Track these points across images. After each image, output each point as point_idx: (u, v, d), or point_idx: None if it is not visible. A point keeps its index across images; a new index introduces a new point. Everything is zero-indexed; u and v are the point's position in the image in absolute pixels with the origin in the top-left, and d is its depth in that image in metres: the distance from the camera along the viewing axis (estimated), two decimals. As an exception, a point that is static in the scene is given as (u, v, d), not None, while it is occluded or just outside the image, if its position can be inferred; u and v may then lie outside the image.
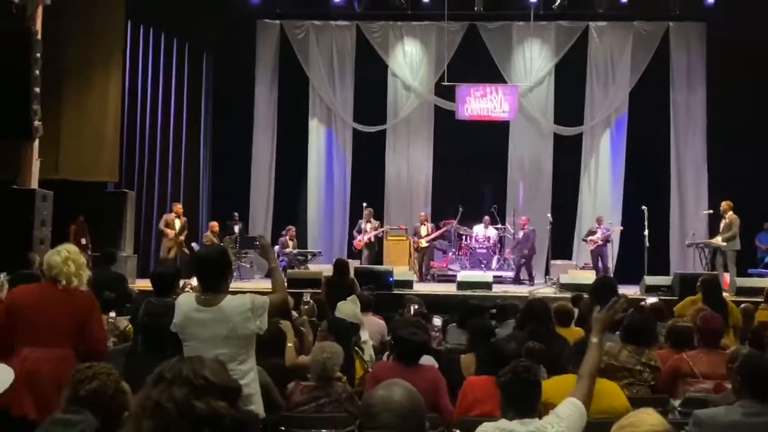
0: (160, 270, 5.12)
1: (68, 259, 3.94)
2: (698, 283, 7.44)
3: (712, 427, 3.32)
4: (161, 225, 12.71)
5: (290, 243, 13.77)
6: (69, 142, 11.26)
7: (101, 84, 11.72)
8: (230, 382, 1.60)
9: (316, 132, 15.93)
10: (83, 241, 11.32)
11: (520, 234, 14.04)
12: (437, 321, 7.33)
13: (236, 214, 13.82)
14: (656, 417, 1.90)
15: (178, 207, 12.85)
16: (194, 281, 8.25)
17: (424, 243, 13.76)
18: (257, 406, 3.56)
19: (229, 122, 15.39)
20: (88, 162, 11.49)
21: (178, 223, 12.64)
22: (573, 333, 5.79)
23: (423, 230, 13.88)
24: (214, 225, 13.31)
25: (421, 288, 12.14)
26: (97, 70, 11.63)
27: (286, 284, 4.08)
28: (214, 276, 3.56)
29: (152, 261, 13.21)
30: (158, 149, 13.74)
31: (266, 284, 7.07)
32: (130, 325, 5.70)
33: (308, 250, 14.45)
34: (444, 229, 14.32)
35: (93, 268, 7.07)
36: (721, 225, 12.20)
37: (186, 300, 3.59)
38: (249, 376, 3.52)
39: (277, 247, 13.46)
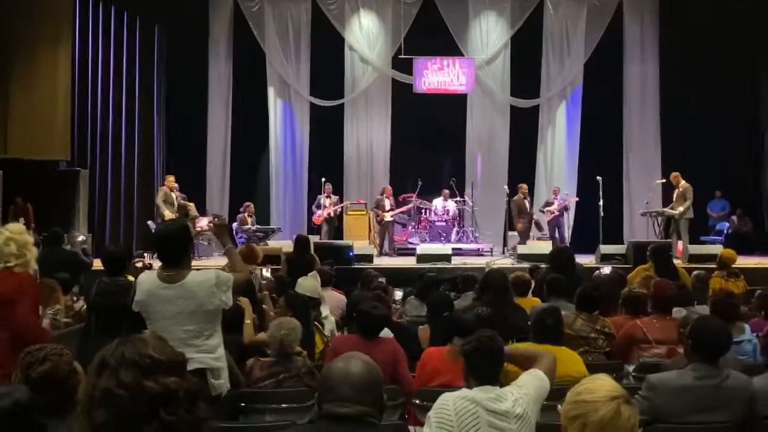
0: (111, 249, 5.02)
1: (9, 239, 3.83)
2: (648, 252, 7.59)
3: (664, 390, 3.40)
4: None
5: (249, 219, 13.65)
6: (18, 121, 10.95)
7: (50, 60, 11.38)
8: (175, 356, 1.57)
9: (273, 107, 15.74)
10: (21, 221, 11.04)
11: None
12: (398, 294, 7.36)
13: (185, 196, 13.36)
14: (611, 382, 1.92)
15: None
16: (146, 258, 8.16)
17: (388, 217, 13.74)
18: (226, 381, 3.57)
19: (183, 97, 15.10)
20: (38, 140, 11.20)
21: (174, 197, 12.51)
22: (530, 302, 5.88)
23: (387, 204, 13.87)
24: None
25: (381, 261, 12.18)
26: (45, 46, 11.28)
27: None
28: (177, 252, 3.53)
29: (107, 239, 12.99)
30: (111, 125, 13.44)
31: (224, 262, 7.02)
32: (84, 305, 5.60)
33: (267, 227, 14.36)
34: (411, 205, 14.35)
35: (43, 248, 6.92)
36: (675, 194, 12.46)
37: (148, 278, 3.56)
38: (218, 350, 3.53)
39: (235, 224, 13.36)
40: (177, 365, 1.56)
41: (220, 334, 3.59)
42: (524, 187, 14.02)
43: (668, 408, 3.36)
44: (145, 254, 8.73)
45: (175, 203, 12.52)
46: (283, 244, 12.07)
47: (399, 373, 4.20)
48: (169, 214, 12.04)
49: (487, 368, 2.95)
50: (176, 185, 12.72)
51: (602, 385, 1.89)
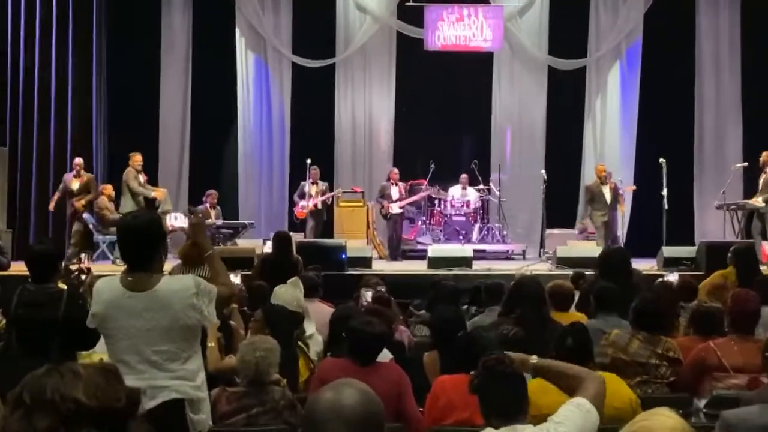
0: (37, 248, 5.02)
1: None
2: (729, 254, 7.58)
3: (745, 430, 3.40)
4: None
5: (212, 212, 13.66)
6: None
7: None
8: (115, 401, 1.56)
9: (244, 68, 15.74)
10: None
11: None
12: (368, 295, 7.35)
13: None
14: (675, 419, 1.93)
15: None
16: (83, 260, 8.17)
17: (395, 208, 13.71)
18: (208, 416, 3.64)
19: (129, 58, 15.09)
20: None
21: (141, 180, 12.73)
22: (572, 318, 5.87)
23: (394, 192, 13.82)
24: (107, 187, 13.13)
25: (384, 266, 12.20)
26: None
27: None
28: (146, 252, 3.56)
29: (32, 236, 13.02)
30: (36, 94, 13.45)
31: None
32: (3, 320, 5.61)
33: (237, 222, 14.37)
34: (426, 192, 14.35)
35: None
36: (760, 181, 12.44)
37: (108, 284, 3.59)
38: (199, 377, 3.59)
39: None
40: (112, 414, 1.55)
41: (201, 357, 3.61)
42: (602, 168, 13.54)
43: None
44: (82, 255, 8.77)
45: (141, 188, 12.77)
46: (257, 243, 12.09)
47: (405, 408, 4.22)
48: (149, 193, 12.63)
49: (506, 400, 2.95)
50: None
51: (664, 422, 1.90)
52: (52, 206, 12.64)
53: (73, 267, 6.14)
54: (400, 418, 4.14)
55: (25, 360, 4.43)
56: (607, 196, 13.09)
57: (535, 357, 3.16)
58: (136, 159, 12.84)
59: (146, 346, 3.48)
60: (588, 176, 15.54)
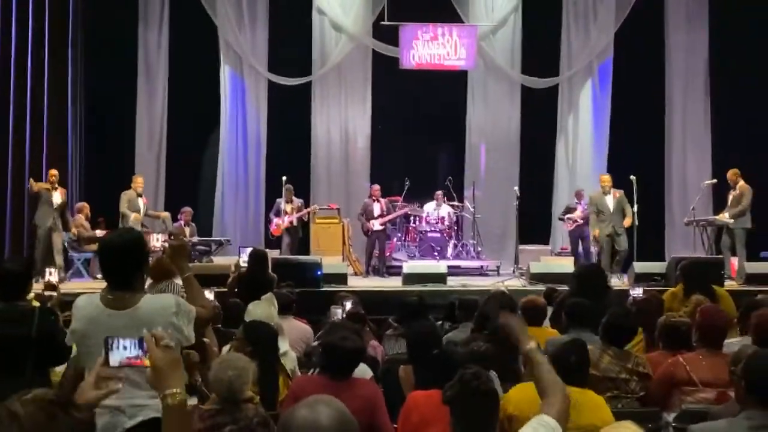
0: (8, 265, 4.97)
1: None
2: (678, 270, 7.61)
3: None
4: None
5: (186, 229, 13.59)
6: None
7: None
8: None
9: (221, 86, 15.70)
10: None
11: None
12: (337, 312, 7.33)
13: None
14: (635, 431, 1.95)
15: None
16: (49, 275, 8.09)
17: (377, 225, 13.73)
18: None
19: (105, 74, 15.01)
20: None
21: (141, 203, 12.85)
22: (545, 333, 5.91)
23: (375, 209, 13.83)
24: (85, 206, 13.08)
25: (359, 283, 12.19)
26: None
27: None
28: (128, 270, 3.53)
29: (7, 250, 12.89)
30: (12, 111, 13.33)
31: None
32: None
33: (212, 239, 14.32)
34: (406, 209, 14.35)
35: None
36: (729, 197, 12.56)
37: (88, 302, 3.55)
38: None
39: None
40: None
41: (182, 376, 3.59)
42: (606, 179, 13.13)
43: None
44: (48, 270, 8.64)
45: (142, 211, 12.84)
46: (232, 260, 12.03)
47: (378, 423, 4.21)
48: (129, 216, 12.59)
49: (478, 416, 2.95)
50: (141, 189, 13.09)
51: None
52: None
53: (41, 285, 6.09)
54: None
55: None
56: (610, 206, 12.81)
57: (534, 343, 3.11)
58: (137, 181, 13.07)
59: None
60: (562, 192, 15.65)
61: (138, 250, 3.61)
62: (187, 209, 13.89)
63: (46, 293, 6.27)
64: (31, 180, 12.43)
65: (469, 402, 2.95)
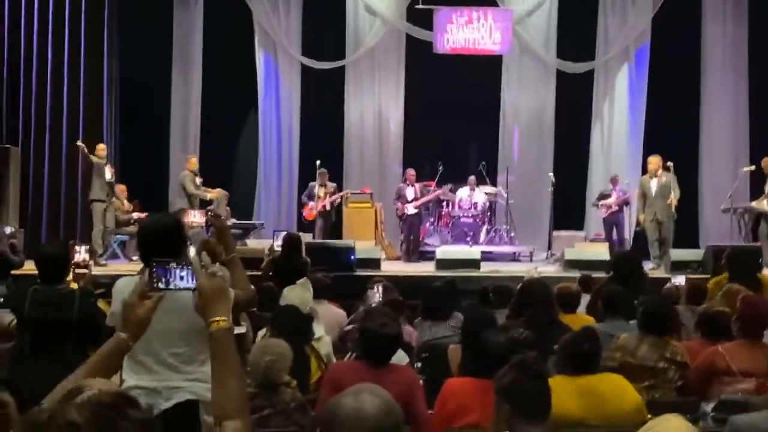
0: (49, 249, 5.03)
1: None
2: (723, 259, 7.55)
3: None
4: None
5: (227, 210, 13.67)
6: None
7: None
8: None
9: (256, 70, 15.74)
10: None
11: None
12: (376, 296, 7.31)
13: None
14: (683, 423, 1.93)
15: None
16: (80, 255, 8.18)
17: (411, 209, 13.70)
18: None
19: (141, 59, 15.11)
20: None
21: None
22: (580, 320, 5.88)
23: (409, 193, 13.81)
24: (122, 189, 13.21)
25: (392, 267, 12.20)
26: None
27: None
28: (167, 252, 3.53)
29: (44, 235, 13.05)
30: (49, 94, 13.48)
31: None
32: (14, 320, 5.64)
33: (247, 222, 14.39)
34: (439, 191, 14.31)
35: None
36: (766, 186, 12.42)
37: (128, 284, 3.58)
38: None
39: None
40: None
41: None
42: (653, 161, 12.59)
43: None
44: (77, 248, 8.63)
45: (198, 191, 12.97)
46: (266, 244, 12.09)
47: (416, 410, 4.21)
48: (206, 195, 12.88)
49: (538, 401, 2.94)
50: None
51: (675, 427, 1.90)
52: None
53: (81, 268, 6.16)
54: (410, 420, 4.13)
55: (37, 359, 4.46)
56: (653, 190, 12.37)
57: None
58: (193, 161, 13.23)
59: (162, 347, 3.54)
60: (596, 178, 15.54)
61: (176, 233, 3.64)
62: (222, 192, 13.95)
63: (78, 271, 6.34)
64: (82, 145, 12.33)
65: (526, 387, 2.94)
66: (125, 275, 4.04)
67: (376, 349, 4.35)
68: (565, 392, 3.88)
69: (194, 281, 2.31)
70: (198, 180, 13.08)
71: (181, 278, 2.32)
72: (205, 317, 2.23)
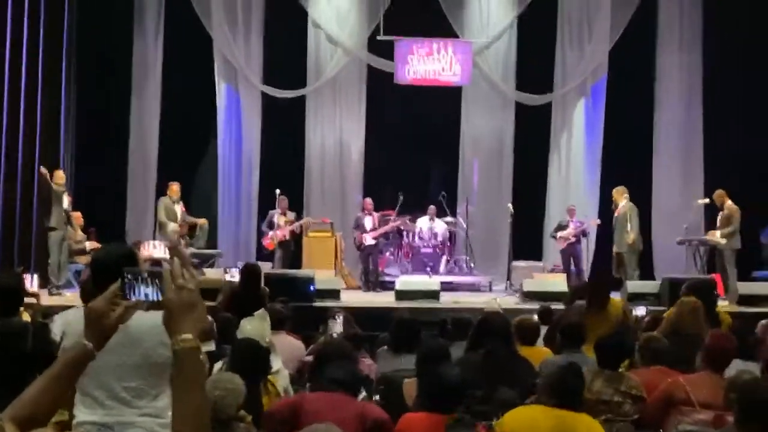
0: (3, 282, 4.92)
1: None
2: (683, 289, 7.62)
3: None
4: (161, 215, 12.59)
5: (181, 241, 13.54)
6: None
7: None
8: None
9: (215, 99, 15.65)
10: None
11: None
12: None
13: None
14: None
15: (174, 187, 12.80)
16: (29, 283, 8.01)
17: (369, 239, 13.70)
18: None
19: (100, 90, 14.99)
20: None
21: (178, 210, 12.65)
22: (538, 353, 5.89)
23: (367, 222, 13.81)
24: (78, 217, 13.03)
25: (352, 298, 12.14)
26: None
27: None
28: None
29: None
30: (5, 122, 13.29)
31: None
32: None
33: (206, 251, 14.24)
34: (397, 222, 14.31)
35: None
36: (719, 218, 12.58)
37: (77, 317, 3.49)
38: (167, 414, 3.46)
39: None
40: None
41: (169, 395, 3.55)
42: (614, 192, 13.53)
43: None
44: (26, 276, 8.39)
45: (179, 218, 12.78)
46: (222, 273, 11.99)
47: None
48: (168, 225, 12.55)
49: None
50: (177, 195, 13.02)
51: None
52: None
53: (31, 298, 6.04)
54: None
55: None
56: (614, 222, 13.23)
57: None
58: (173, 189, 12.95)
59: (116, 381, 3.46)
60: (554, 209, 15.62)
61: (130, 263, 3.56)
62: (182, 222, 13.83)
63: (27, 300, 6.20)
64: (45, 171, 12.02)
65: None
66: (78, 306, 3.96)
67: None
68: (545, 424, 3.89)
69: (160, 295, 2.16)
70: (179, 207, 12.87)
71: (146, 295, 2.19)
72: (170, 334, 2.07)
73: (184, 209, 13.11)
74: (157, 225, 12.81)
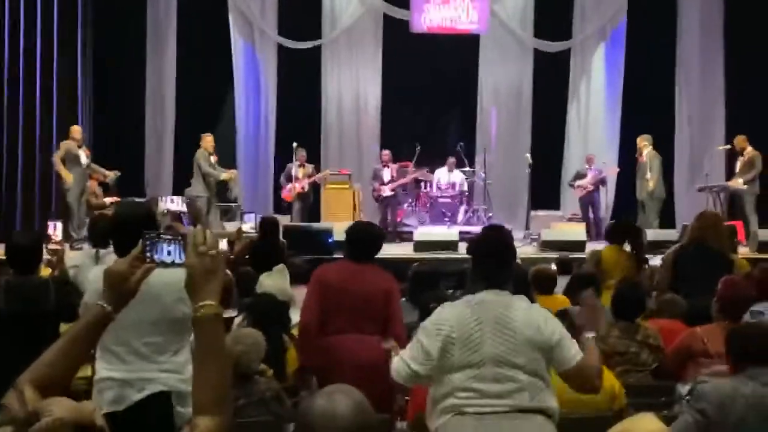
0: (20, 238, 4.92)
1: None
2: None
3: (716, 398, 3.44)
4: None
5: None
6: None
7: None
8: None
9: (230, 52, 15.58)
10: None
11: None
12: None
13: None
14: (656, 424, 1.93)
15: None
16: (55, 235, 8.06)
17: (386, 191, 13.71)
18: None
19: (115, 45, 14.91)
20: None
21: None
22: (556, 302, 5.90)
23: (385, 174, 13.81)
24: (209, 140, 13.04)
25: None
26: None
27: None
28: (138, 241, 3.50)
29: (18, 222, 12.93)
30: (21, 80, 13.33)
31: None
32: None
33: (224, 204, 14.30)
34: (415, 173, 14.29)
35: None
36: (738, 163, 12.51)
37: (99, 274, 3.52)
38: (187, 370, 3.53)
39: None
40: None
41: (190, 351, 3.60)
42: (638, 140, 13.44)
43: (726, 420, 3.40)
44: (52, 225, 8.36)
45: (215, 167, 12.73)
46: (243, 226, 12.04)
47: (392, 311, 4.68)
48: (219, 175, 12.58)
49: (495, 267, 3.37)
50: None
51: (644, 426, 1.90)
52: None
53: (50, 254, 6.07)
54: (385, 318, 4.60)
55: (12, 353, 4.38)
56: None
57: (593, 334, 3.45)
58: (208, 140, 12.83)
59: (135, 337, 3.51)
60: (573, 157, 15.57)
61: (148, 222, 3.58)
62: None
63: (47, 257, 6.21)
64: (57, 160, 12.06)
65: (489, 252, 3.51)
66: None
67: (361, 245, 4.82)
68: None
69: (182, 258, 2.16)
70: (213, 159, 12.82)
71: (169, 253, 2.19)
72: (191, 299, 2.08)
73: (216, 159, 12.90)
74: (197, 175, 12.65)
